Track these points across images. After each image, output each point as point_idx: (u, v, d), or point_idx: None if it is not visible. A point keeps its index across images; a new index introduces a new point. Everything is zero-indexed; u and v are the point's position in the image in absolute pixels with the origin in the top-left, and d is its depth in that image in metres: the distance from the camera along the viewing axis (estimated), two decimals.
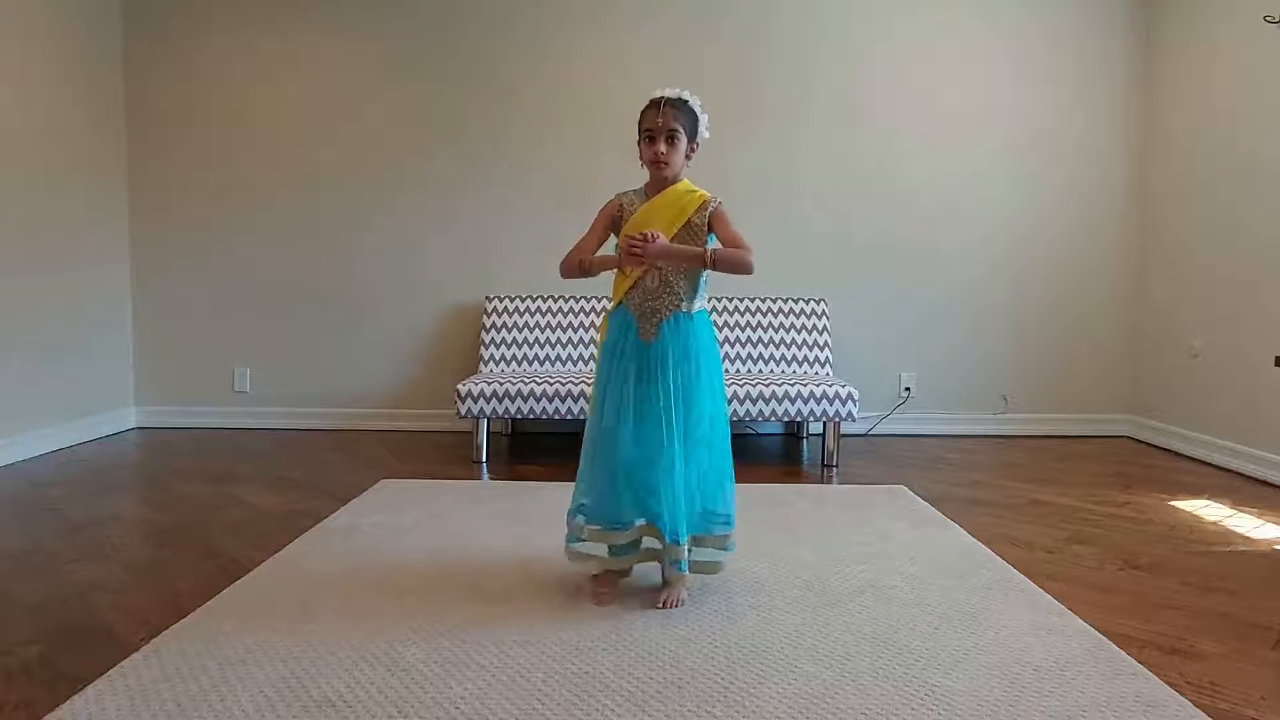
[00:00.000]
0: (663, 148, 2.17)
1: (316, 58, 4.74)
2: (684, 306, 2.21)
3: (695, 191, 2.23)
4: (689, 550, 2.19)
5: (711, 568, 2.28)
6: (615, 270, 2.26)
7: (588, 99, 4.61)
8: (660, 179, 2.24)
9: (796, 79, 4.68)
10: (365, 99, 4.72)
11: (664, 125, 2.16)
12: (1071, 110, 4.69)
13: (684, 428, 2.18)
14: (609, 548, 2.26)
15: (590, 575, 2.30)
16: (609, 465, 2.19)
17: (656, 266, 2.19)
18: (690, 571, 2.21)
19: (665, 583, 2.25)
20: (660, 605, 2.18)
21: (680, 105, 2.19)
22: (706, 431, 2.23)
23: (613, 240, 2.29)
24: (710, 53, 4.65)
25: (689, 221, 2.20)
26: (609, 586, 2.25)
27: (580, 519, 2.25)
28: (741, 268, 2.15)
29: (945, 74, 4.68)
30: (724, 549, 2.29)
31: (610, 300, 2.32)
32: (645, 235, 2.07)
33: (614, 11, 4.66)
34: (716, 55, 4.65)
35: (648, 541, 2.28)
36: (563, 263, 2.27)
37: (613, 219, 2.28)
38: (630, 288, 2.22)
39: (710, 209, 2.21)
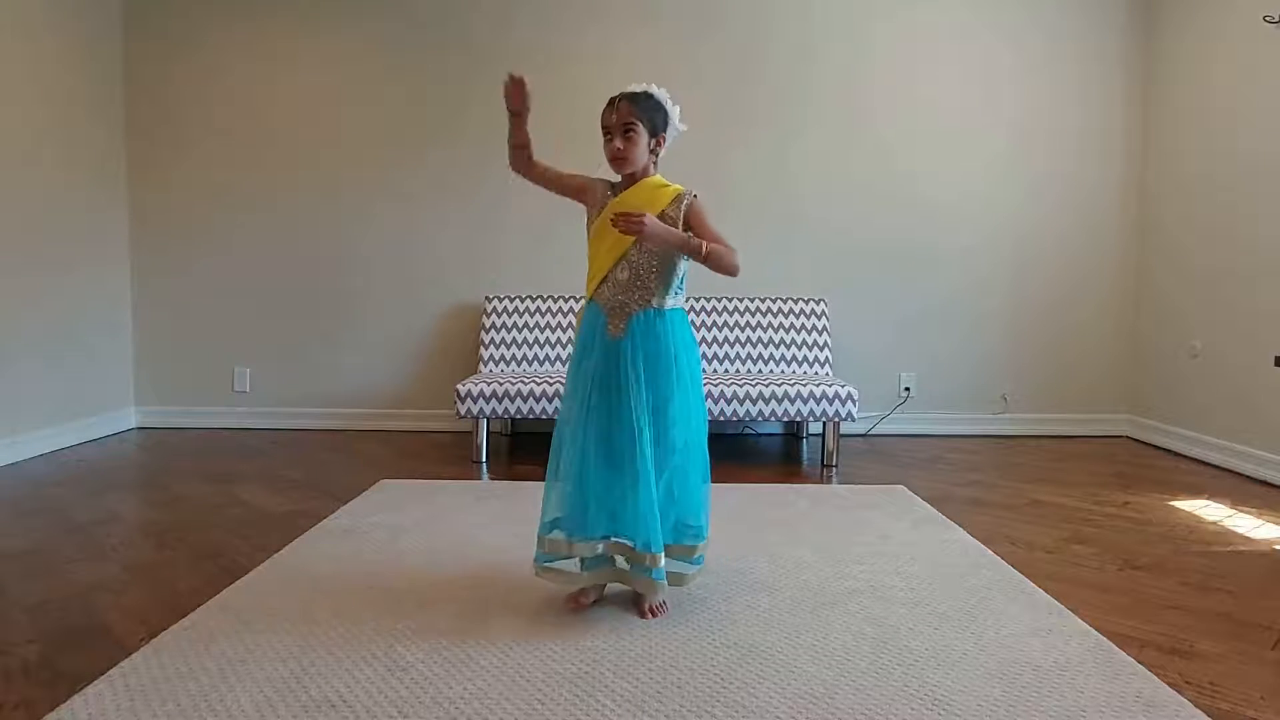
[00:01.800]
0: (619, 143, 2.12)
1: (316, 58, 4.74)
2: (655, 302, 2.14)
3: (669, 186, 2.17)
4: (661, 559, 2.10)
5: (676, 579, 2.15)
6: (587, 257, 2.21)
7: (587, 99, 4.56)
8: (625, 175, 2.19)
9: (796, 79, 4.68)
10: (365, 99, 4.73)
11: (618, 121, 2.12)
12: (1071, 110, 4.69)
13: (655, 431, 2.09)
14: (580, 561, 2.16)
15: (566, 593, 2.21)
16: (576, 472, 2.10)
17: (629, 259, 2.12)
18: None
19: (638, 593, 2.16)
20: (645, 616, 2.11)
21: (637, 99, 2.13)
22: (680, 436, 2.14)
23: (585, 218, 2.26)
24: (710, 53, 4.65)
25: (662, 214, 2.12)
26: (584, 598, 2.17)
27: (557, 534, 2.14)
28: (729, 269, 2.11)
29: (945, 74, 4.68)
30: (691, 561, 2.18)
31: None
32: (639, 215, 2.01)
33: (613, 12, 4.67)
34: (716, 55, 4.66)
35: (619, 560, 2.19)
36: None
37: (583, 188, 2.24)
38: (600, 281, 2.15)
39: (685, 202, 2.14)
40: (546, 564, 2.17)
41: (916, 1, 4.67)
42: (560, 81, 4.65)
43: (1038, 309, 4.75)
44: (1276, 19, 3.66)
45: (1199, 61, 4.27)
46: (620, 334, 2.13)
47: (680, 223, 2.13)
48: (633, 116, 2.12)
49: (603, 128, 2.17)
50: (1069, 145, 4.70)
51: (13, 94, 3.92)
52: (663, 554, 2.08)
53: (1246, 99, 3.91)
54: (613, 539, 2.15)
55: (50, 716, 1.64)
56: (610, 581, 2.22)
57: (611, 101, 2.15)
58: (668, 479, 2.14)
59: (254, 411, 4.81)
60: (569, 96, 4.63)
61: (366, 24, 4.70)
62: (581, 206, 2.27)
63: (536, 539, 2.18)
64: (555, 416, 3.82)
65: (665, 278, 2.15)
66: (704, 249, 2.07)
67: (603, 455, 2.11)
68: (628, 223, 2.00)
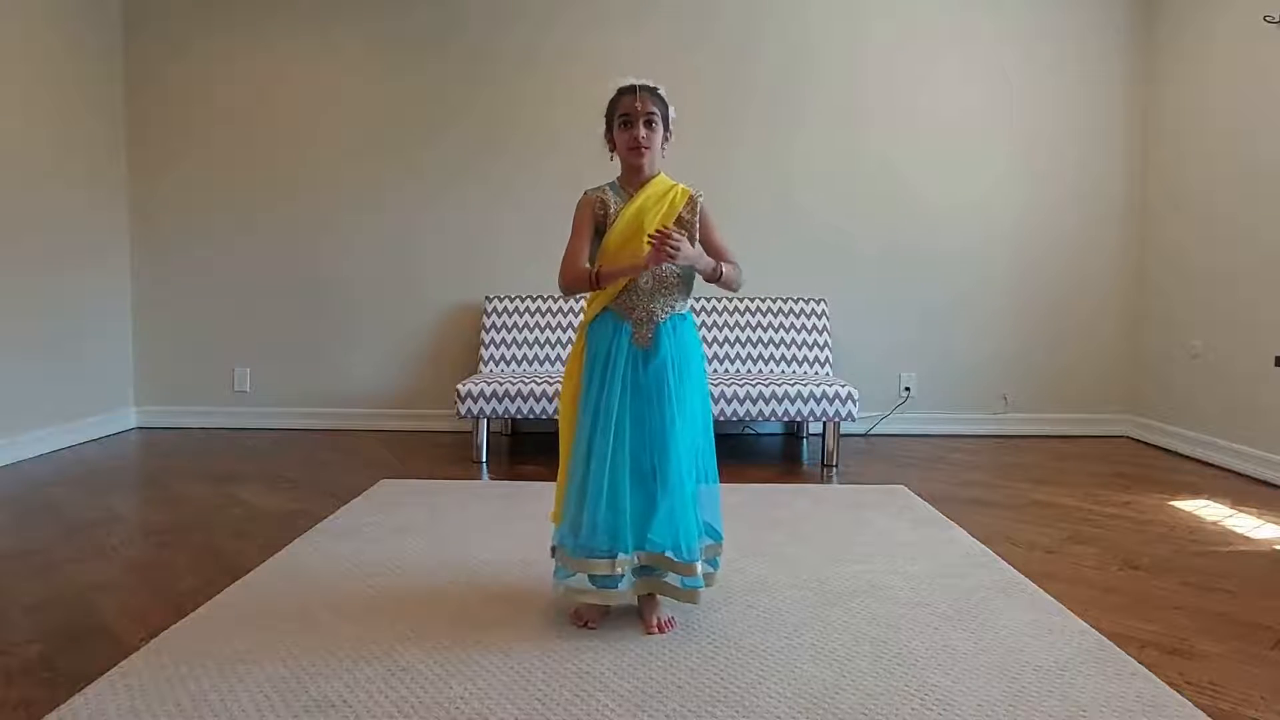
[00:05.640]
0: (642, 132, 2.06)
1: (316, 58, 4.74)
2: (679, 308, 2.14)
3: (677, 185, 2.15)
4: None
5: (707, 580, 2.11)
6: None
7: (586, 99, 4.57)
8: (636, 169, 2.11)
9: (796, 79, 4.68)
10: (365, 99, 4.73)
11: (642, 109, 2.06)
12: (1071, 110, 4.69)
13: (687, 436, 2.07)
14: (593, 578, 2.07)
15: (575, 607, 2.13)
16: (610, 487, 2.02)
17: (655, 269, 2.08)
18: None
19: (651, 605, 2.11)
20: (656, 630, 2.05)
21: (655, 92, 2.10)
22: (695, 439, 2.12)
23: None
24: (709, 52, 4.65)
25: (679, 218, 2.11)
26: (593, 622, 2.09)
27: (595, 555, 2.03)
28: (734, 287, 2.18)
29: (944, 74, 4.68)
30: (713, 562, 2.17)
31: (585, 310, 2.18)
32: (677, 233, 1.96)
33: (612, 12, 4.67)
34: (715, 55, 4.66)
35: (640, 573, 2.09)
36: (563, 277, 2.10)
37: (596, 217, 2.11)
38: (621, 291, 2.08)
39: (699, 204, 2.14)
40: (581, 586, 2.09)
41: (915, 1, 4.68)
42: (559, 82, 4.66)
43: (1038, 309, 4.75)
44: (1276, 19, 3.66)
45: (1199, 61, 4.27)
46: (648, 342, 2.08)
47: (695, 227, 2.13)
48: (654, 108, 2.09)
49: (620, 115, 2.09)
50: (1069, 145, 4.70)
51: (13, 94, 3.92)
52: (699, 561, 2.05)
53: (1246, 99, 3.91)
54: (646, 550, 2.07)
55: (50, 716, 1.64)
56: (644, 592, 2.12)
57: (631, 89, 2.08)
58: (697, 482, 2.12)
59: (254, 411, 4.81)
60: (568, 97, 4.65)
61: (366, 24, 4.70)
62: None
63: (561, 560, 2.10)
64: (555, 416, 3.84)
65: (686, 284, 2.16)
66: (719, 270, 2.10)
67: (636, 466, 2.05)
68: (667, 245, 1.91)
